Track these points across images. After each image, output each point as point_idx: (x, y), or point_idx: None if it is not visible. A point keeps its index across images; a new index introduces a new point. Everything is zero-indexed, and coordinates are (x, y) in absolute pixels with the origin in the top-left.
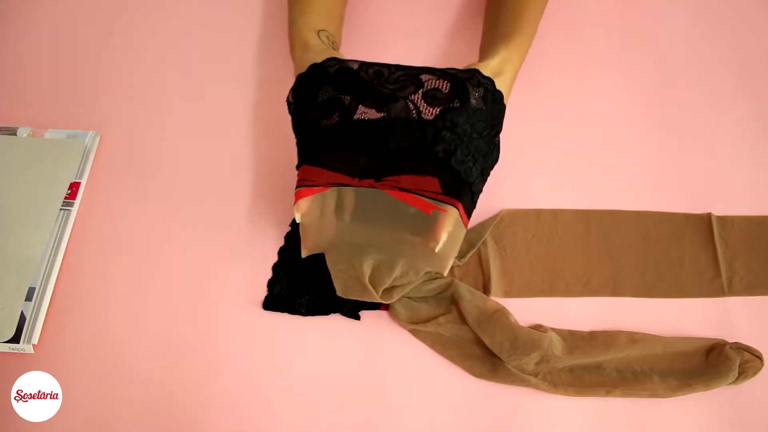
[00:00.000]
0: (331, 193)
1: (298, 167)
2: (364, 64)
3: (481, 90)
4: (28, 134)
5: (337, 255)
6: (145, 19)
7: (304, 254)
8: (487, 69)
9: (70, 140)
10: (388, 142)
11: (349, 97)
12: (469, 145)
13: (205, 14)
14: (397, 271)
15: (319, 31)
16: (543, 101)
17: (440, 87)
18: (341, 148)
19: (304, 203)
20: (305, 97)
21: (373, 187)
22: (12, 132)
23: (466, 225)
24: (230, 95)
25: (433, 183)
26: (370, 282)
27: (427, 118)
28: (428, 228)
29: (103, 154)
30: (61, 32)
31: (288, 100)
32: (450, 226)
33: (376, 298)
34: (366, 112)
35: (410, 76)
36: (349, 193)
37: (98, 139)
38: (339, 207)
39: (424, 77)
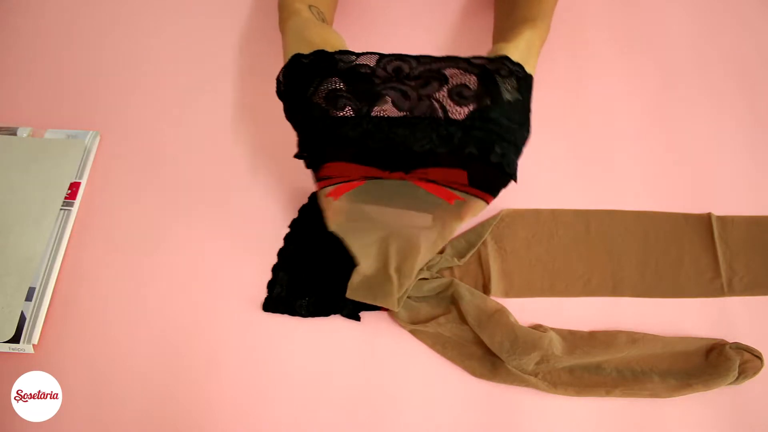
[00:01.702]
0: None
1: (310, 160)
2: (382, 59)
3: (514, 80)
4: (28, 134)
5: (363, 256)
6: (145, 19)
7: (332, 228)
8: (516, 52)
9: (70, 140)
10: (413, 144)
11: (359, 101)
12: (509, 137)
13: (204, 15)
14: (422, 253)
15: (309, 6)
16: (543, 101)
17: (467, 83)
18: (364, 145)
19: (346, 198)
20: (305, 82)
21: (403, 179)
22: (12, 132)
23: (488, 203)
24: (230, 96)
25: (460, 175)
26: (398, 272)
27: (456, 117)
28: (445, 211)
29: (103, 154)
30: (61, 32)
31: (278, 79)
32: (475, 214)
33: (394, 299)
34: (384, 110)
35: (433, 71)
36: (377, 181)
37: (98, 139)
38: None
39: (448, 72)
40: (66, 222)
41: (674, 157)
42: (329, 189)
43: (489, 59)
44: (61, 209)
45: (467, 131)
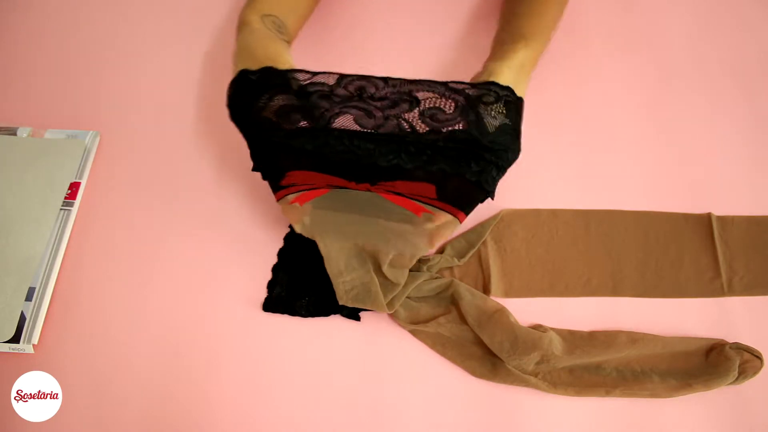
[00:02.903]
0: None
1: (267, 172)
2: (343, 79)
3: (501, 105)
4: (28, 134)
5: (338, 260)
6: (145, 19)
7: (298, 230)
8: (509, 73)
9: (70, 140)
10: (378, 159)
11: (313, 116)
12: (489, 157)
13: (204, 15)
14: (391, 252)
15: (264, 15)
16: (543, 101)
17: (442, 107)
18: (322, 156)
19: (311, 204)
20: (252, 97)
21: (369, 190)
22: (12, 132)
23: (461, 222)
24: None
25: (428, 189)
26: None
27: (426, 136)
28: (416, 222)
29: (103, 154)
30: (62, 32)
31: (227, 93)
32: (446, 227)
33: (381, 302)
34: (345, 125)
35: (403, 93)
36: (343, 191)
37: (98, 139)
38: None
39: (420, 95)
40: (66, 222)
41: (674, 157)
42: (293, 196)
43: (472, 85)
44: (61, 209)
45: (439, 150)
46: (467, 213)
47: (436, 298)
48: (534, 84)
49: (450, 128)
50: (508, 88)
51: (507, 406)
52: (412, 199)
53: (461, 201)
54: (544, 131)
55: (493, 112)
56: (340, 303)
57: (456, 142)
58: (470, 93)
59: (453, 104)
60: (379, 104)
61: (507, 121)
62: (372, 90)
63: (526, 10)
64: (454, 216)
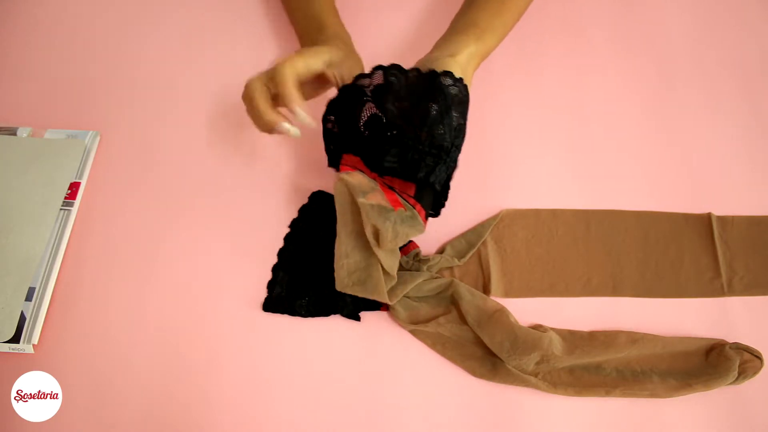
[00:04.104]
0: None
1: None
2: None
3: (463, 107)
4: (28, 134)
5: (347, 242)
6: (145, 18)
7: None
8: (458, 68)
9: (70, 140)
10: (384, 159)
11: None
12: (447, 159)
13: (204, 14)
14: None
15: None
16: (543, 101)
17: (430, 109)
18: (363, 152)
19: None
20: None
21: (375, 180)
22: (12, 132)
23: (424, 221)
24: (230, 95)
25: (411, 187)
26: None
27: (417, 144)
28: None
29: (103, 154)
30: (61, 32)
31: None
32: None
33: (382, 289)
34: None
35: (414, 92)
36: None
37: (98, 139)
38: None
39: (423, 95)
40: (66, 222)
41: (674, 157)
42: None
43: (454, 80)
44: (61, 209)
45: (423, 157)
46: (427, 212)
47: (436, 298)
48: (535, 84)
49: (432, 131)
50: (465, 86)
51: (507, 406)
52: (398, 194)
53: (424, 198)
54: (544, 131)
55: (456, 113)
56: (338, 289)
57: (434, 148)
58: (450, 92)
59: (436, 107)
60: (400, 105)
61: (462, 121)
62: (397, 87)
63: (484, 5)
64: (416, 210)
